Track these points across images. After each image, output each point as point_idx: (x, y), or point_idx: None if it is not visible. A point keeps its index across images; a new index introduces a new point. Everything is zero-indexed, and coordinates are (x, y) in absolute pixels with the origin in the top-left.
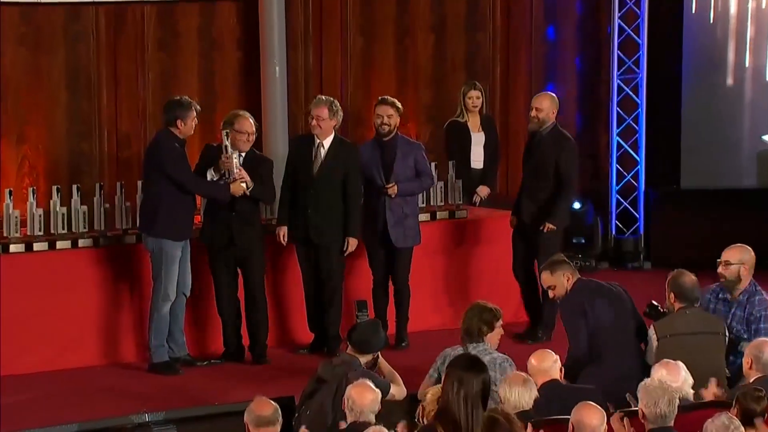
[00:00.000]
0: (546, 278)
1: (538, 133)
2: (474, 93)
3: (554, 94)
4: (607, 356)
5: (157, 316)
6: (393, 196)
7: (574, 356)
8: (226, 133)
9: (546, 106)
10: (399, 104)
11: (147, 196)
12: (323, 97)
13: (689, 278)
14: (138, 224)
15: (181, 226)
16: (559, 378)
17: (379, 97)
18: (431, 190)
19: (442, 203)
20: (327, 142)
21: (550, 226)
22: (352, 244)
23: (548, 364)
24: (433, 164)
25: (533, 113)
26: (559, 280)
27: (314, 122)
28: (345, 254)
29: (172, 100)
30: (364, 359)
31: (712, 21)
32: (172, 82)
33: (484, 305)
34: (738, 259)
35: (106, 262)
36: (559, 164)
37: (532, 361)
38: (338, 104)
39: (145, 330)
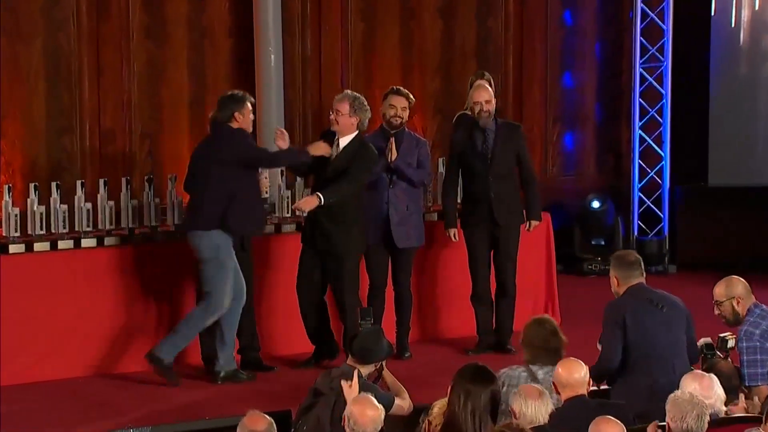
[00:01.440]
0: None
1: (485, 130)
2: (482, 83)
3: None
4: (640, 370)
5: (201, 326)
6: (391, 161)
7: (602, 364)
8: None
9: (491, 95)
10: (412, 97)
11: (210, 193)
12: (348, 92)
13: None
14: (193, 224)
15: (254, 220)
16: (586, 392)
17: (393, 87)
18: (437, 186)
19: None
20: (344, 141)
21: (536, 223)
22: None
23: (578, 376)
24: (440, 159)
25: (482, 107)
26: (612, 280)
27: (333, 116)
28: None
29: (226, 96)
30: (365, 370)
31: (743, 6)
32: (159, 72)
33: (550, 320)
34: (725, 295)
35: (88, 266)
36: (521, 156)
37: (561, 372)
38: (365, 101)
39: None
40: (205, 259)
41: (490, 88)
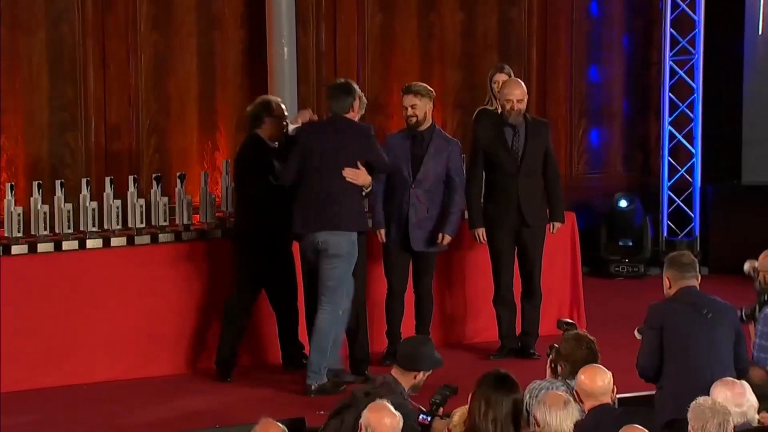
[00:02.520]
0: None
1: (515, 125)
2: (501, 77)
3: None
4: (677, 376)
5: (340, 329)
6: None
7: (637, 367)
8: None
9: (524, 93)
10: (425, 90)
11: (347, 190)
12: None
13: None
14: (332, 223)
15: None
16: (611, 401)
17: (405, 85)
18: None
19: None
20: None
21: (559, 225)
22: None
23: (602, 384)
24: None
25: (516, 105)
26: (664, 281)
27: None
28: None
29: (338, 85)
30: (406, 381)
31: None
32: (167, 65)
33: (588, 338)
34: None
35: (94, 268)
36: (546, 153)
37: (584, 379)
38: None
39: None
40: (341, 256)
41: (523, 85)
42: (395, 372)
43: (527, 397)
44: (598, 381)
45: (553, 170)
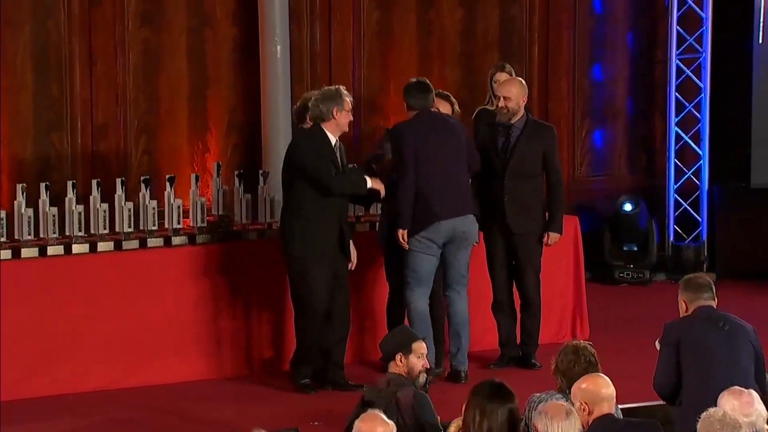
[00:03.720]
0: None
1: (509, 126)
2: (502, 76)
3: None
4: (696, 392)
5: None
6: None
7: (654, 384)
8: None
9: (515, 93)
10: (453, 98)
11: (458, 180)
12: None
13: None
14: (468, 208)
15: None
16: (613, 411)
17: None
18: None
19: None
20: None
21: (556, 236)
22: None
23: (605, 393)
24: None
25: (501, 102)
26: (680, 304)
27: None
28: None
29: (419, 86)
30: (400, 370)
31: None
32: (156, 63)
33: (588, 348)
34: None
35: (81, 274)
36: (547, 158)
37: (586, 386)
38: (327, 92)
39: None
40: (473, 242)
41: (518, 84)
42: (390, 368)
43: (527, 410)
44: (601, 390)
45: (554, 177)
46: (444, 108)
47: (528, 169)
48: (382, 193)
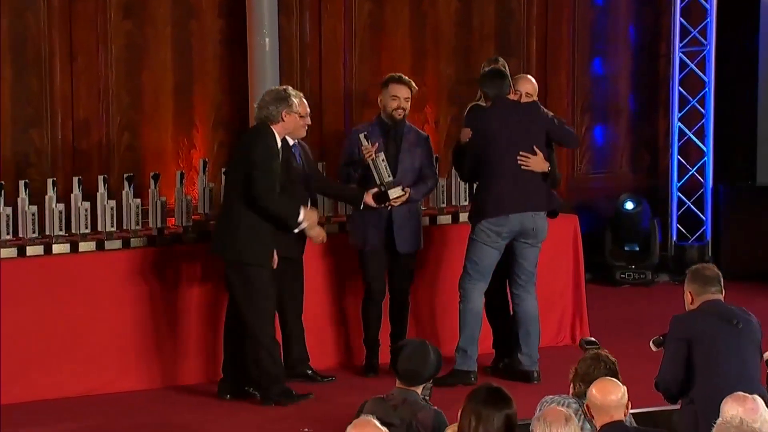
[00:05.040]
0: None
1: None
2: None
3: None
4: (704, 392)
5: None
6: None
7: (657, 382)
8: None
9: (533, 89)
10: (414, 85)
11: (532, 175)
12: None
13: None
14: (524, 205)
15: None
16: (624, 417)
17: (393, 74)
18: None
19: (444, 204)
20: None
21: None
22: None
23: (614, 398)
24: (434, 156)
25: (524, 99)
26: (686, 296)
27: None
28: None
29: (495, 73)
30: (419, 391)
31: None
32: (140, 56)
33: (609, 357)
34: None
35: (61, 274)
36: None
37: (595, 393)
38: (275, 93)
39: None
40: (541, 242)
41: (533, 82)
42: (400, 384)
43: (538, 411)
44: (611, 395)
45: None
46: (403, 93)
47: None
48: (317, 241)
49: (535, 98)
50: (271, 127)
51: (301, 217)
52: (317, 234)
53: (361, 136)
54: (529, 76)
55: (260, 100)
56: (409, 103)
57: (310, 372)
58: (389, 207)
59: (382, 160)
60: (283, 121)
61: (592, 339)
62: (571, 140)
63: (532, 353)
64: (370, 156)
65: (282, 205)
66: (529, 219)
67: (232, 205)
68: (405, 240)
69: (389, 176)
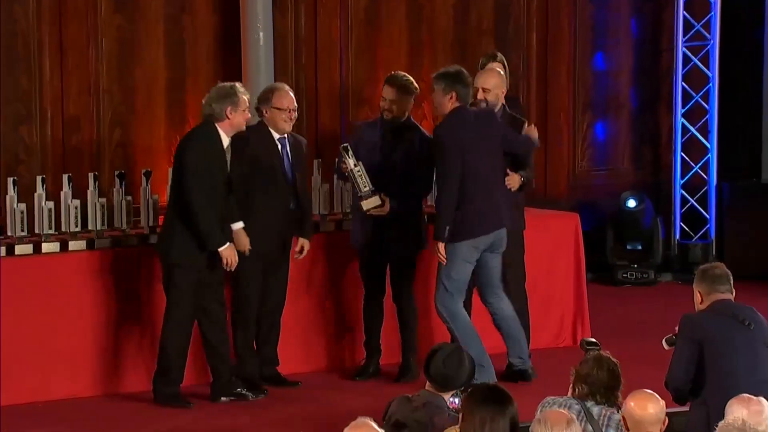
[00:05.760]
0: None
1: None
2: (493, 66)
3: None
4: (716, 394)
5: None
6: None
7: (667, 381)
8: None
9: (493, 84)
10: (414, 86)
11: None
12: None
13: None
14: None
15: None
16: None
17: (391, 73)
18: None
19: None
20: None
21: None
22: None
23: (653, 412)
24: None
25: (480, 95)
26: (695, 296)
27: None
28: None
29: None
30: (447, 397)
31: None
32: (131, 52)
33: (611, 360)
34: None
35: (50, 273)
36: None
37: (633, 406)
38: (222, 89)
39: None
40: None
41: (499, 76)
42: (431, 387)
43: (539, 412)
44: (649, 408)
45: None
46: (389, 95)
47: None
48: (228, 267)
49: (498, 93)
50: (217, 125)
51: (221, 247)
52: (227, 255)
53: (342, 148)
54: (495, 69)
55: (206, 97)
56: (400, 107)
57: (274, 375)
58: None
59: (358, 171)
60: (228, 119)
61: (593, 340)
62: (522, 150)
63: (521, 353)
64: (346, 169)
65: (206, 222)
66: (502, 231)
67: (170, 204)
68: (400, 242)
69: (366, 186)
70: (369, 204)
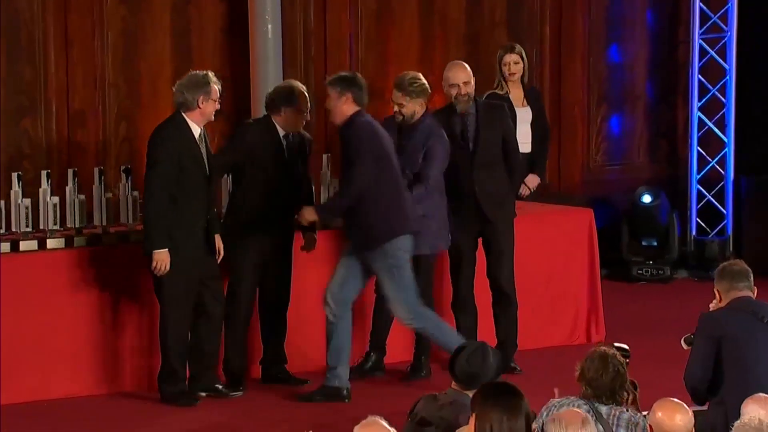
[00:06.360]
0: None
1: (465, 115)
2: (511, 58)
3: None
4: (735, 393)
5: None
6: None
7: (685, 379)
8: None
9: (470, 76)
10: (417, 84)
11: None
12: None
13: None
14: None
15: None
16: None
17: (405, 73)
18: None
19: None
20: None
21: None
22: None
23: (681, 424)
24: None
25: (460, 90)
26: (715, 294)
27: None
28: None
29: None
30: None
31: None
32: (137, 43)
33: (616, 356)
34: None
35: (56, 270)
36: (506, 137)
37: (661, 416)
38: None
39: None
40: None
41: (467, 67)
42: (457, 386)
43: (544, 415)
44: (677, 419)
45: (514, 159)
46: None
47: (495, 155)
48: (156, 271)
49: (471, 85)
50: (186, 114)
51: (157, 249)
52: (158, 259)
53: None
54: (461, 63)
55: (178, 84)
56: (409, 109)
57: (281, 374)
58: None
59: None
60: (200, 108)
61: (625, 346)
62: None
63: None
64: None
65: (151, 221)
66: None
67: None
68: (420, 241)
69: None
70: None
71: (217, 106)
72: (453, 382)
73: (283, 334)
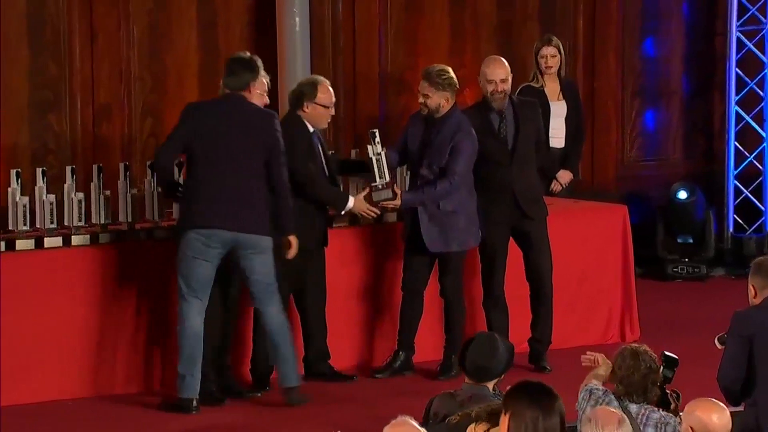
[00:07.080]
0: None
1: (502, 111)
2: (548, 51)
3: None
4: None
5: None
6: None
7: (718, 380)
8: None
9: (509, 73)
10: (445, 77)
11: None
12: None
13: None
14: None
15: None
16: None
17: (433, 66)
18: None
19: None
20: None
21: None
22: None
23: (718, 423)
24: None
25: (497, 87)
26: (749, 290)
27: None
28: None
29: (240, 61)
30: (491, 386)
31: None
32: (163, 37)
33: (648, 352)
34: None
35: (81, 267)
36: (540, 140)
37: (700, 415)
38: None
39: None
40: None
41: (506, 64)
42: (470, 381)
43: (580, 397)
44: (714, 419)
45: (544, 156)
46: (423, 89)
47: (531, 152)
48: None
49: (508, 82)
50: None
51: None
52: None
53: (369, 133)
54: (500, 59)
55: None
56: (434, 101)
57: (327, 371)
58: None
59: (377, 160)
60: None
61: (674, 356)
62: (279, 176)
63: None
64: (370, 154)
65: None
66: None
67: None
68: (433, 239)
69: (381, 177)
70: (378, 196)
71: (331, 111)
72: (465, 378)
73: (325, 330)
